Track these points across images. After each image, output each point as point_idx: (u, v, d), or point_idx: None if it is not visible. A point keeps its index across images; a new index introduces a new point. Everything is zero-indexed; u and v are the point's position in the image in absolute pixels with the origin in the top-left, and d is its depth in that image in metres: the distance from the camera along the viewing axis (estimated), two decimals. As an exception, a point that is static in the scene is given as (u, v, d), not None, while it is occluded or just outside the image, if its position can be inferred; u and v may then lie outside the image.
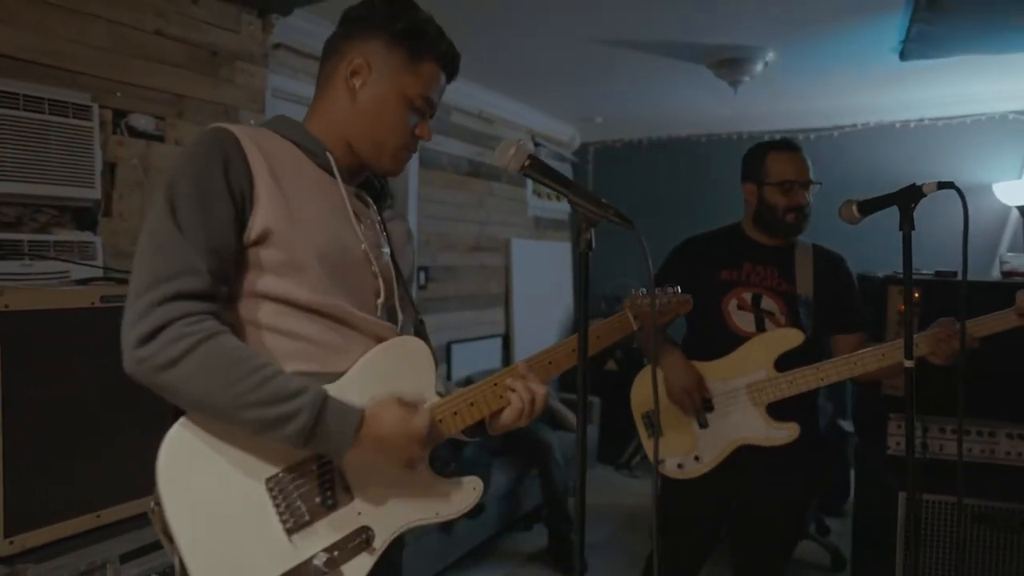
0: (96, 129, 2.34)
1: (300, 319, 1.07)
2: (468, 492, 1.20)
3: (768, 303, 2.08)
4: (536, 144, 5.20)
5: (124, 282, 2.09)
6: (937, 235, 4.57)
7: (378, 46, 1.15)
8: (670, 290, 1.56)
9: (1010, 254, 2.64)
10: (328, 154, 1.15)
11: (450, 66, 1.21)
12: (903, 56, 3.31)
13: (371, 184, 1.28)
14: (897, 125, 4.58)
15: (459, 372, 4.33)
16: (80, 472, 1.72)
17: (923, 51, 3.22)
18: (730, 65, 3.42)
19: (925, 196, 1.44)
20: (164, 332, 0.95)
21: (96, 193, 2.35)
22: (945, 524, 2.20)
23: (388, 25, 1.15)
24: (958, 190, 1.38)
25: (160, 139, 2.61)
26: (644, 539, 3.68)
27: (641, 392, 2.17)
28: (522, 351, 4.89)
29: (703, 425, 2.05)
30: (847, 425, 3.90)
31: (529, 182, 5.16)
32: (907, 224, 1.45)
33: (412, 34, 1.16)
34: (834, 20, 3.12)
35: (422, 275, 4.10)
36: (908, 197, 1.45)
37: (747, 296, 2.09)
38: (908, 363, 1.45)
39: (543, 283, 5.23)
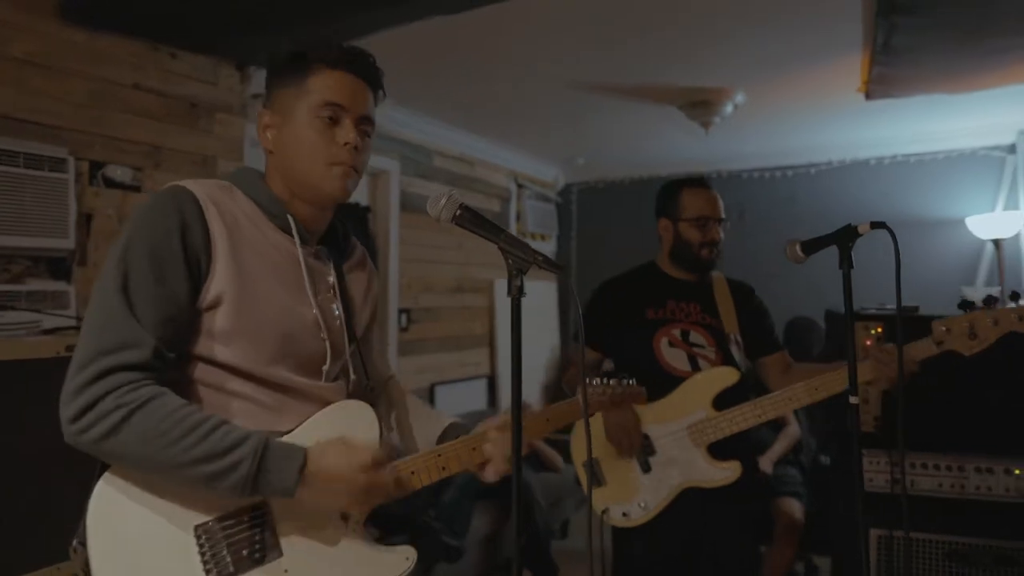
0: (71, 181, 2.39)
1: (245, 384, 1.11)
2: (399, 562, 1.20)
3: (696, 337, 2.12)
4: (519, 186, 5.28)
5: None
6: (908, 269, 4.63)
7: (275, 94, 1.18)
8: (625, 381, 1.60)
9: (968, 288, 2.68)
10: (289, 217, 1.17)
11: (350, 63, 1.17)
12: (868, 95, 3.40)
13: (334, 233, 1.29)
14: (871, 162, 4.67)
15: (443, 413, 4.32)
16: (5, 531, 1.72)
17: (886, 91, 3.30)
18: (701, 107, 3.51)
19: (860, 236, 1.48)
20: (99, 404, 0.97)
21: (70, 243, 2.39)
22: (921, 562, 2.19)
23: (274, 71, 1.18)
24: (889, 230, 1.42)
25: (137, 189, 2.66)
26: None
27: (579, 441, 2.16)
28: (508, 392, 4.89)
29: (646, 470, 2.03)
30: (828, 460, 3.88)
31: (513, 222, 5.22)
32: (846, 263, 1.48)
33: (292, 60, 1.16)
34: (798, 62, 3.21)
35: (403, 317, 4.12)
36: (845, 237, 1.49)
37: (676, 332, 2.12)
38: (853, 399, 1.47)
39: (528, 323, 5.21)
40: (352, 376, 1.26)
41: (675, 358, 2.09)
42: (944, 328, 1.74)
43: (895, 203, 4.56)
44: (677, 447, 2.01)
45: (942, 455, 2.29)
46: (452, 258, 4.58)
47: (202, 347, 1.08)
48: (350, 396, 1.25)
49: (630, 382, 1.63)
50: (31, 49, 2.37)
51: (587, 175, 5.65)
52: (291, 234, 1.17)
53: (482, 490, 3.71)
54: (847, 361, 1.48)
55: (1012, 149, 4.26)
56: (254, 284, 1.11)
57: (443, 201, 1.13)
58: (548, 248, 5.69)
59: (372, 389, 1.32)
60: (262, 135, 1.19)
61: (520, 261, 1.12)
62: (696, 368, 2.08)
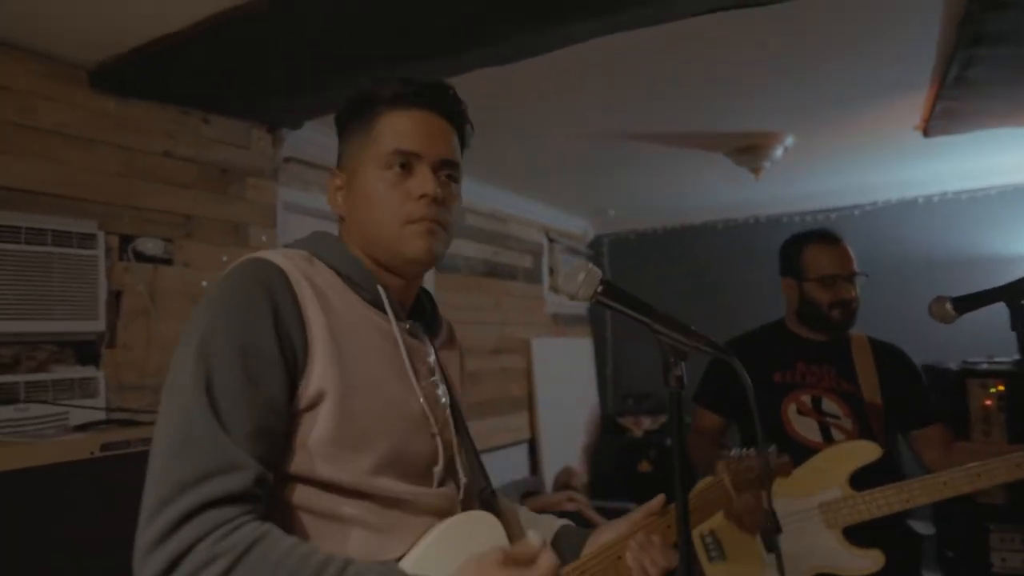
0: (101, 258, 2.21)
1: (349, 502, 0.89)
2: None
3: (830, 405, 1.89)
4: (551, 240, 5.11)
5: (129, 424, 1.90)
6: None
7: (343, 149, 1.03)
8: (769, 450, 1.36)
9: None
10: (380, 288, 0.98)
11: (421, 96, 1.00)
12: (927, 133, 3.23)
13: (421, 307, 1.10)
14: (920, 200, 4.48)
15: (485, 485, 4.04)
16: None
17: (947, 127, 3.13)
18: (750, 152, 3.35)
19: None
20: (191, 556, 0.75)
21: (100, 325, 2.19)
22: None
23: (339, 123, 1.04)
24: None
25: (168, 262, 2.48)
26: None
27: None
28: (550, 457, 4.61)
29: (770, 549, 1.79)
30: (920, 526, 3.57)
31: (545, 276, 5.03)
32: (1020, 324, 1.26)
33: (355, 106, 1.01)
34: (853, 102, 3.06)
35: (442, 383, 3.89)
36: (1017, 292, 1.26)
37: (806, 399, 1.91)
38: None
39: (567, 383, 5.00)
40: (463, 478, 1.02)
41: (805, 427, 1.87)
42: None
43: (949, 242, 4.35)
44: (807, 527, 1.77)
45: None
46: (490, 318, 4.37)
47: (299, 462, 0.86)
48: (464, 503, 1.02)
49: (772, 450, 1.38)
50: (60, 120, 2.22)
51: (618, 226, 5.48)
52: (383, 309, 0.97)
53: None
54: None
55: (1071, 182, 4.08)
56: (356, 375, 0.90)
57: (581, 276, 0.92)
58: (582, 304, 5.48)
59: (493, 493, 1.09)
60: (332, 199, 1.02)
61: (680, 345, 0.91)
62: (829, 440, 1.86)
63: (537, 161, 3.84)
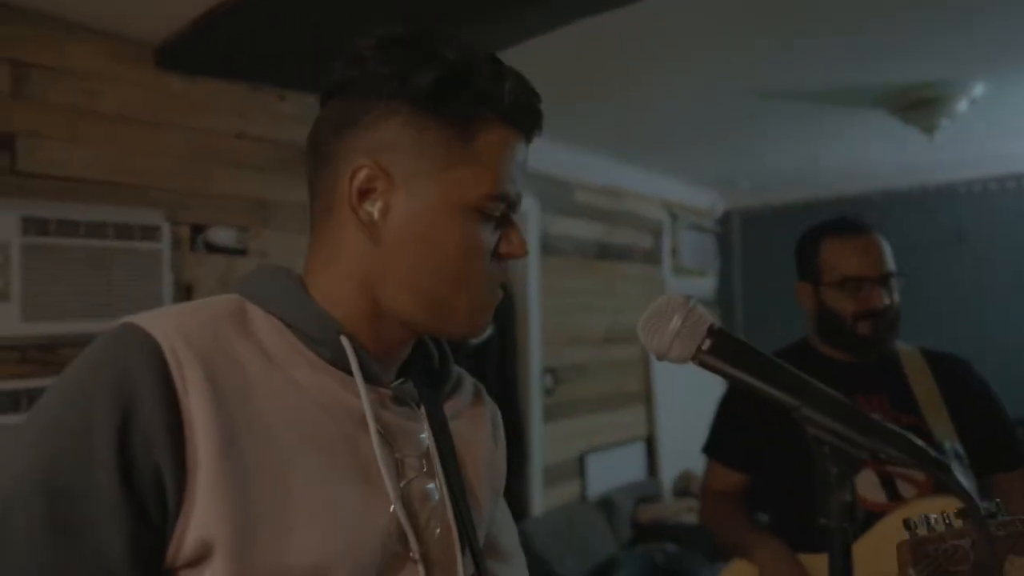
0: (166, 251, 2.05)
1: None
2: None
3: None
4: (673, 216, 4.60)
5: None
6: None
7: (394, 131, 0.63)
8: (993, 512, 0.89)
9: None
10: (344, 341, 0.64)
11: (526, 118, 0.66)
12: None
13: (421, 357, 0.74)
14: None
15: (596, 487, 3.70)
16: None
17: None
18: (923, 107, 2.71)
19: None
20: None
21: (163, 324, 2.04)
22: None
23: (403, 88, 0.62)
24: None
25: (242, 252, 2.30)
26: None
27: None
28: (670, 456, 4.19)
29: None
30: None
31: (667, 258, 4.54)
32: None
33: (448, 90, 0.63)
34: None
35: (548, 378, 3.56)
36: None
37: None
38: None
39: (690, 375, 4.50)
40: None
41: (862, 484, 1.37)
42: None
43: None
44: None
45: None
46: (601, 304, 3.98)
47: None
48: None
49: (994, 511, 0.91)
50: (124, 101, 2.07)
51: (751, 200, 4.87)
52: (347, 370, 0.64)
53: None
54: None
55: None
56: (275, 502, 0.57)
57: (675, 323, 0.54)
58: (708, 285, 4.94)
59: None
60: (357, 202, 0.64)
61: (850, 448, 0.51)
62: (896, 497, 1.35)
63: (656, 126, 3.38)
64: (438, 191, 0.63)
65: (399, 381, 0.70)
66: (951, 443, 1.41)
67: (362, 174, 0.63)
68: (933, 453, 0.51)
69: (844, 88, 2.79)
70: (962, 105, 2.72)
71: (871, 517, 1.34)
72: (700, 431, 5.05)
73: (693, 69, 2.64)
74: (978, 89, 2.71)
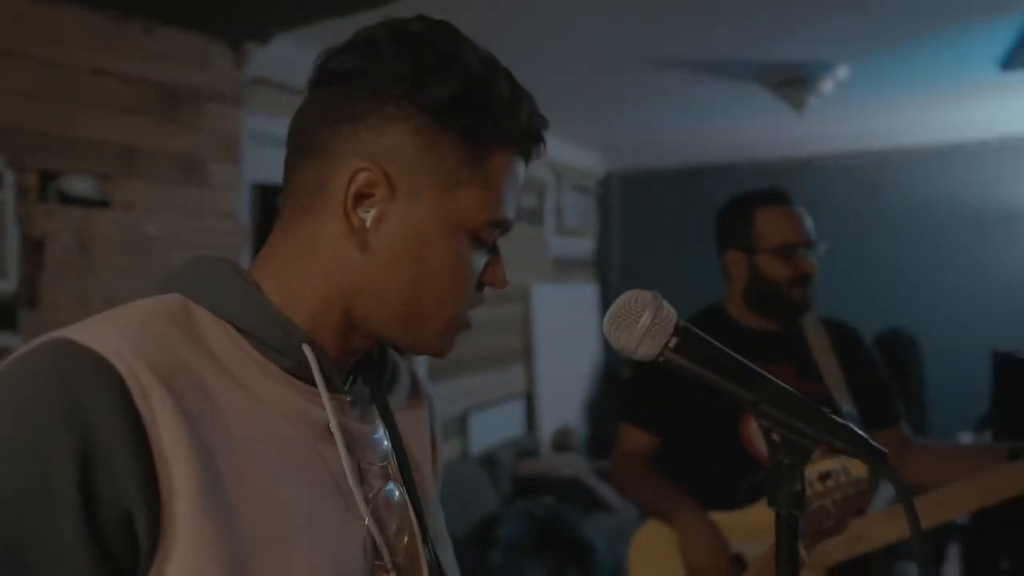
0: (9, 202, 1.81)
1: None
2: None
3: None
4: (558, 176, 4.66)
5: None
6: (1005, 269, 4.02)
7: (403, 138, 0.59)
8: (844, 474, 0.98)
9: None
10: (307, 351, 0.59)
11: (533, 145, 0.64)
12: (1006, 65, 2.77)
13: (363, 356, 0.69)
14: (977, 144, 4.02)
15: (479, 445, 3.76)
16: None
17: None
18: (794, 85, 2.89)
19: None
20: None
21: (11, 284, 1.81)
22: None
23: (419, 93, 0.58)
24: None
25: (104, 204, 2.07)
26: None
27: (648, 558, 1.57)
28: (548, 413, 4.33)
29: None
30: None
31: (552, 218, 4.61)
32: None
33: (468, 107, 0.59)
34: (923, 29, 2.60)
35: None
36: None
37: None
38: None
39: (569, 333, 4.66)
40: None
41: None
42: None
43: (1001, 192, 3.93)
44: None
45: None
46: (486, 264, 3.99)
47: None
48: None
49: (845, 471, 1.00)
50: (-47, 24, 1.77)
51: (633, 163, 5.02)
52: (308, 380, 0.59)
53: (531, 544, 3.18)
54: None
55: None
56: (269, 526, 0.53)
57: (644, 320, 0.54)
58: (588, 246, 5.08)
59: None
60: (346, 202, 0.59)
61: (802, 440, 0.54)
62: None
63: (544, 87, 3.36)
64: (440, 209, 0.60)
65: (350, 380, 0.66)
66: (848, 407, 1.53)
67: (362, 177, 0.58)
68: (872, 443, 0.55)
69: (726, 62, 2.91)
70: (828, 85, 2.93)
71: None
72: (577, 387, 5.21)
73: (581, 34, 2.64)
74: (843, 71, 2.92)
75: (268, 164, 2.68)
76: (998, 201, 3.95)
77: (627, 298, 0.56)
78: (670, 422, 1.60)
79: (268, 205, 2.60)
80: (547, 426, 4.32)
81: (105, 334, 0.51)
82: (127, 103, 2.13)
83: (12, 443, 0.47)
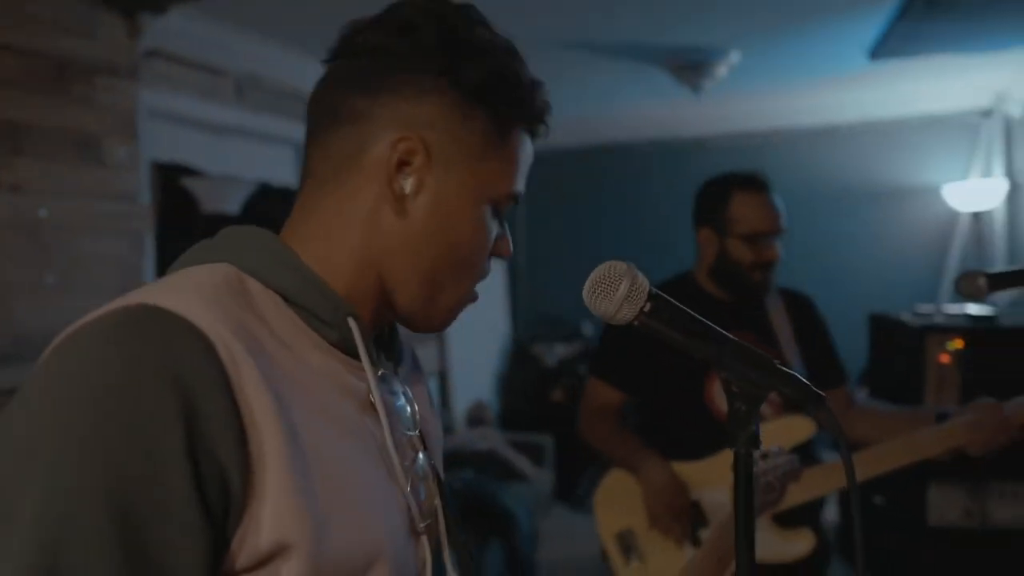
0: None
1: None
2: None
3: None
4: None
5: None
6: (884, 240, 4.44)
7: (439, 111, 0.62)
8: (780, 453, 1.09)
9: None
10: (353, 325, 0.61)
11: (542, 128, 0.70)
12: (874, 55, 3.05)
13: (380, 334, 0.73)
14: (848, 127, 4.37)
15: (394, 424, 3.77)
16: None
17: (899, 48, 2.96)
18: (693, 69, 3.05)
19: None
20: None
21: None
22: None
23: (454, 71, 0.62)
24: None
25: (-12, 186, 1.92)
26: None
27: (613, 504, 1.70)
28: (461, 390, 4.38)
29: (696, 544, 1.61)
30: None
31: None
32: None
33: (496, 86, 0.64)
34: (802, 20, 2.82)
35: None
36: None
37: None
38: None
39: (478, 310, 4.69)
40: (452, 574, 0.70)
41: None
42: None
43: (869, 171, 4.31)
44: None
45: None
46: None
47: None
48: None
49: (779, 450, 1.12)
50: None
51: (537, 142, 5.07)
52: (351, 352, 0.62)
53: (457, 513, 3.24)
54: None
55: (988, 113, 4.07)
56: (330, 493, 0.55)
57: (623, 288, 0.59)
58: (493, 223, 5.14)
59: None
60: (389, 168, 0.61)
61: (755, 389, 0.62)
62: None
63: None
64: (470, 180, 0.64)
65: (384, 364, 0.68)
66: (801, 370, 1.67)
67: (403, 146, 0.61)
68: (812, 388, 0.63)
69: (630, 46, 3.04)
70: (722, 70, 3.11)
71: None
72: (487, 363, 5.26)
73: (490, 15, 2.67)
74: (735, 57, 3.11)
75: (168, 142, 2.55)
76: (866, 179, 4.33)
77: (604, 269, 0.61)
78: (638, 380, 1.70)
79: (170, 186, 2.47)
80: (461, 402, 4.38)
81: (188, 301, 0.52)
82: (7, 75, 1.97)
83: (128, 407, 0.47)
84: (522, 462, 3.92)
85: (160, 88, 2.48)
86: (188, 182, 2.51)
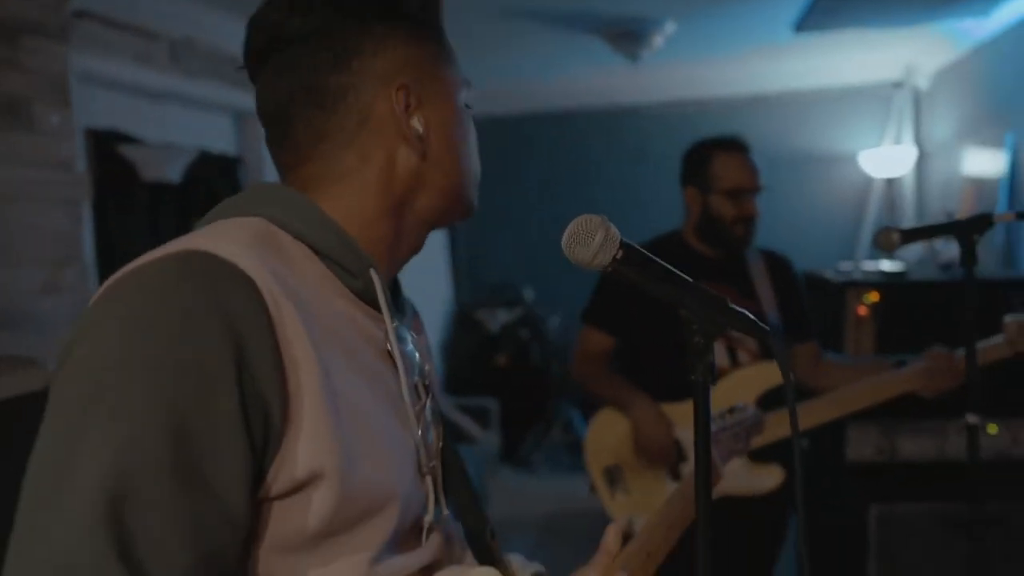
0: None
1: None
2: None
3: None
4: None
5: None
6: (804, 207, 4.68)
7: (401, 49, 0.69)
8: (746, 409, 1.20)
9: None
10: (374, 276, 0.66)
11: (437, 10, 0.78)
12: (799, 27, 3.20)
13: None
14: (775, 96, 4.57)
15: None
16: None
17: (821, 22, 3.12)
18: (630, 38, 3.14)
19: (992, 227, 1.20)
20: None
21: None
22: (918, 535, 2.11)
23: (393, 8, 0.69)
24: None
25: (-86, 153, 1.83)
26: (567, 550, 3.44)
27: (602, 441, 1.85)
28: (406, 356, 4.43)
29: (676, 477, 1.78)
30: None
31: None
32: (970, 259, 1.20)
33: (428, 6, 0.72)
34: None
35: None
36: (972, 228, 1.20)
37: None
38: (972, 418, 1.24)
39: (420, 276, 4.74)
40: (444, 511, 0.75)
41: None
42: (1018, 326, 1.50)
43: (793, 138, 4.52)
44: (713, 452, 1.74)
45: (928, 419, 2.21)
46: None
47: (269, 570, 0.58)
48: (449, 548, 0.75)
49: (746, 407, 1.24)
50: None
51: (479, 109, 5.06)
52: (371, 303, 0.67)
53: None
54: (966, 366, 1.24)
55: (899, 85, 4.34)
56: (359, 430, 0.61)
57: (598, 238, 0.67)
58: (433, 192, 5.14)
59: (493, 535, 0.81)
60: (398, 113, 0.67)
61: (712, 326, 0.71)
62: (735, 363, 1.81)
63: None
64: (449, 89, 0.72)
65: (398, 317, 0.73)
66: (777, 321, 1.85)
67: (399, 95, 0.67)
68: (763, 325, 0.73)
69: (570, 15, 3.09)
70: (659, 40, 3.21)
71: (717, 376, 1.71)
72: (432, 326, 5.28)
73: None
74: (670, 27, 3.21)
75: (102, 108, 2.47)
76: (791, 146, 4.54)
77: (581, 221, 0.68)
78: (629, 326, 1.85)
79: (104, 153, 2.40)
80: (405, 370, 4.43)
81: (234, 248, 0.56)
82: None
83: (186, 346, 0.52)
84: (469, 425, 4.02)
85: (92, 51, 2.39)
86: (126, 149, 2.44)
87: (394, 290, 0.77)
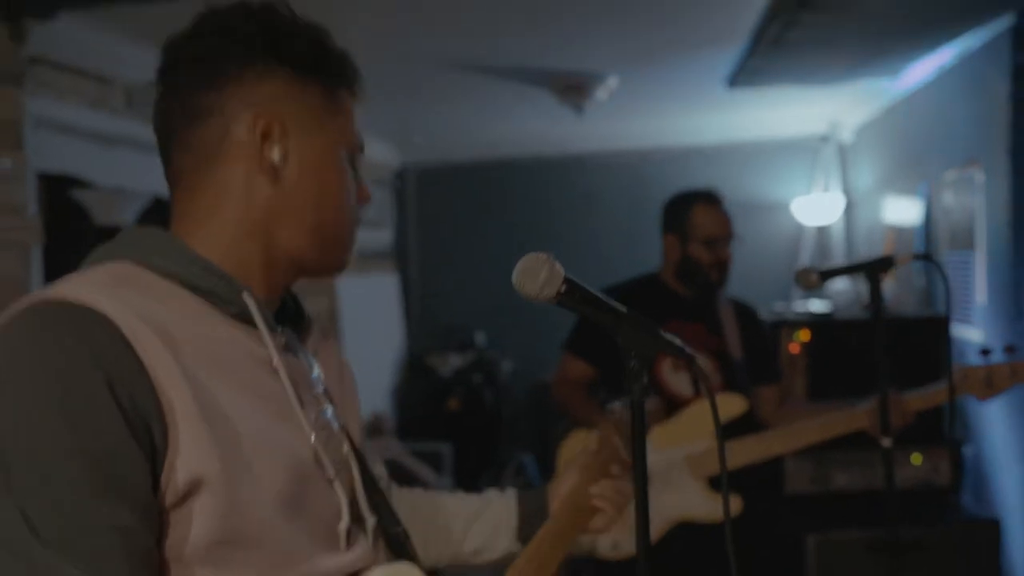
0: None
1: None
2: None
3: (701, 361, 1.98)
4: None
5: None
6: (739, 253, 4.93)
7: (280, 86, 0.73)
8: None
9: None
10: (247, 297, 0.71)
11: (359, 89, 0.81)
12: (732, 83, 3.43)
13: (284, 306, 0.82)
14: (712, 148, 4.83)
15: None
16: None
17: (752, 79, 3.35)
18: (575, 91, 3.32)
19: (895, 267, 1.34)
20: None
21: None
22: (853, 561, 2.22)
23: (278, 50, 0.73)
24: (935, 263, 1.30)
25: None
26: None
27: (571, 456, 1.94)
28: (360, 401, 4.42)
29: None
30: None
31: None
32: (876, 297, 1.34)
33: (318, 55, 0.76)
34: (668, 50, 3.15)
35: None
36: (878, 267, 1.34)
37: None
38: (885, 442, 1.35)
39: (374, 323, 4.77)
40: (370, 519, 0.80)
41: (678, 383, 1.97)
42: (962, 375, 1.59)
43: (730, 187, 4.73)
44: (674, 478, 1.84)
45: (857, 450, 2.34)
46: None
47: None
48: (376, 552, 0.82)
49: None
50: None
51: (426, 156, 5.24)
52: (251, 323, 0.72)
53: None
54: (879, 398, 1.36)
55: (825, 139, 4.64)
56: (240, 441, 0.66)
57: (543, 275, 0.75)
58: (386, 237, 5.21)
59: (406, 535, 0.88)
60: (265, 150, 0.72)
61: (646, 350, 0.80)
62: (699, 394, 1.94)
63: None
64: (324, 139, 0.75)
65: (284, 331, 0.78)
66: (741, 360, 2.01)
67: (262, 122, 0.71)
68: (686, 349, 0.82)
69: (517, 68, 3.25)
70: (602, 93, 3.39)
71: (680, 407, 1.90)
72: (383, 375, 5.30)
73: (382, 30, 2.79)
74: (613, 81, 3.40)
75: (56, 153, 2.48)
76: (728, 195, 4.74)
77: (530, 259, 0.77)
78: (603, 357, 1.97)
79: (57, 199, 2.39)
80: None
81: (89, 290, 0.63)
82: None
83: (67, 384, 0.60)
84: (422, 470, 4.01)
85: (46, 96, 2.41)
86: (78, 194, 2.45)
87: (288, 304, 0.82)
